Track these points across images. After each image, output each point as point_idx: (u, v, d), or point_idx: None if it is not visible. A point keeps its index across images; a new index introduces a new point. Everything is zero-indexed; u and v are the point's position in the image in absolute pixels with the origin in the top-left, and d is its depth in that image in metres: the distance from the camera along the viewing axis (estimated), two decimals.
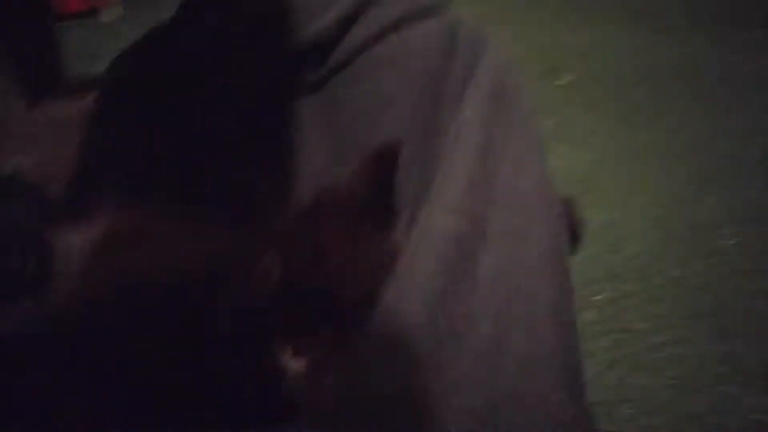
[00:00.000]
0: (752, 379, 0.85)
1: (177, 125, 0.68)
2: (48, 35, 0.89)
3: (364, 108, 0.63)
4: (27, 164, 0.57)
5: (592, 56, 2.07)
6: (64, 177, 0.62)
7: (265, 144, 0.65)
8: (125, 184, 0.64)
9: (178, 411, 0.38)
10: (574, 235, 0.60)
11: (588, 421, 0.43)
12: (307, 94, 0.66)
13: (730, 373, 0.86)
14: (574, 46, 2.17)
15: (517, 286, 0.36)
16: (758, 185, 1.33)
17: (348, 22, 0.65)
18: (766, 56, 1.93)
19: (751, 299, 1.03)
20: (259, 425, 0.38)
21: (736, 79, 1.83)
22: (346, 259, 0.38)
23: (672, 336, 0.94)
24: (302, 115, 0.65)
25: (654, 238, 1.18)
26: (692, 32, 2.18)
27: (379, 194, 0.41)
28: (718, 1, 2.47)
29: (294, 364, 0.37)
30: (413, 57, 0.64)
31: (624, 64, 1.99)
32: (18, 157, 0.58)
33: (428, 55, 0.64)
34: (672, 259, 1.12)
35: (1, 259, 0.49)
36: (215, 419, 0.38)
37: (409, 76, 0.63)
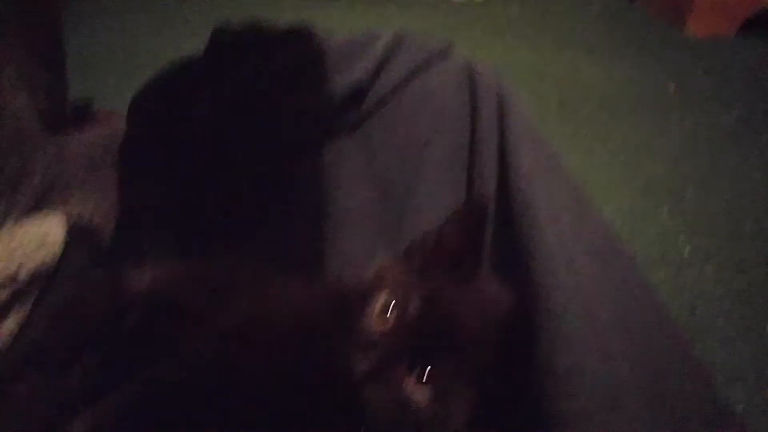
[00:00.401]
0: (731, 377, 0.94)
1: (215, 172, 0.69)
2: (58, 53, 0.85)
3: (401, 148, 0.67)
4: (85, 213, 0.58)
5: (528, 76, 2.13)
6: (113, 223, 0.63)
7: (306, 184, 0.68)
8: (174, 229, 0.65)
9: None
10: None
11: None
12: (345, 135, 0.69)
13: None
14: (512, 65, 2.22)
15: (660, 350, 0.41)
16: (701, 196, 1.45)
17: (379, 67, 0.69)
18: (683, 77, 2.09)
19: (710, 304, 1.13)
20: None
21: (660, 99, 1.97)
22: (455, 301, 0.42)
23: None
24: (341, 155, 0.68)
25: None
26: (614, 55, 2.30)
27: (469, 245, 0.45)
28: (635, 28, 2.62)
29: (418, 393, 0.40)
30: (442, 96, 0.68)
31: (561, 85, 2.05)
32: (78, 205, 0.58)
33: (455, 93, 0.68)
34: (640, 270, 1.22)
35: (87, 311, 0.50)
36: None
37: (442, 116, 0.67)
